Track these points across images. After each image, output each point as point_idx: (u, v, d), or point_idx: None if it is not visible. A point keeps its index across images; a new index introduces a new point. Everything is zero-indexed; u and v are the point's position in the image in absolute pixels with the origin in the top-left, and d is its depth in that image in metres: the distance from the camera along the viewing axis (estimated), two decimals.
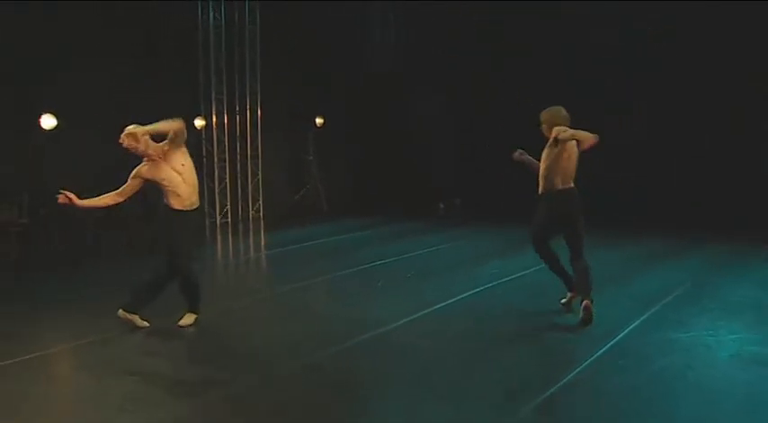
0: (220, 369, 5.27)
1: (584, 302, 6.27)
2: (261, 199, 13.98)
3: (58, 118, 10.41)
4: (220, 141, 13.22)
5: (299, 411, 4.53)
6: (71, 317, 6.85)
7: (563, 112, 6.74)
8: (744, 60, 12.30)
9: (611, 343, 5.77)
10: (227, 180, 13.35)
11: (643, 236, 11.53)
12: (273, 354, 5.44)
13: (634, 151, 13.40)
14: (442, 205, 15.55)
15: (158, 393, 4.74)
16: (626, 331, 6.10)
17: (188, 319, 6.16)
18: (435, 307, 6.96)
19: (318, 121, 14.94)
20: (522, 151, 7.02)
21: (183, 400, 4.68)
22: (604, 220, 12.81)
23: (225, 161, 13.27)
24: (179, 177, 5.90)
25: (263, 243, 11.82)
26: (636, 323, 6.36)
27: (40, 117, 10.30)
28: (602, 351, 5.56)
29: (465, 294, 7.52)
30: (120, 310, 6.04)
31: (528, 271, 8.80)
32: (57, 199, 5.89)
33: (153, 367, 5.21)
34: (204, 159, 13.06)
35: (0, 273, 9.30)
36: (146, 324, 6.08)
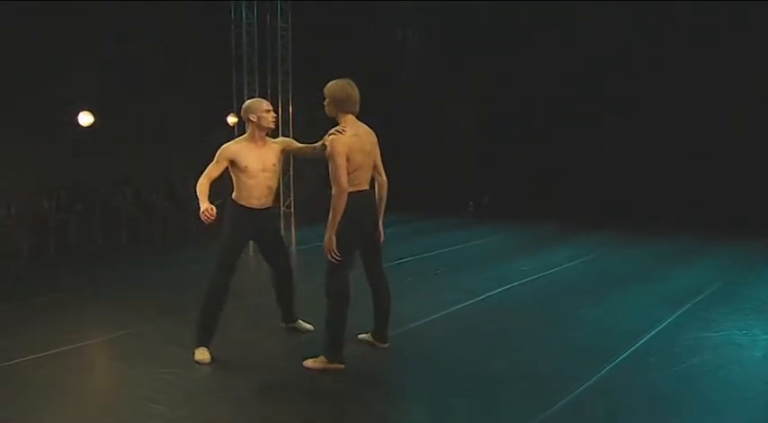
0: (254, 362, 5.34)
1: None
2: (292, 195, 14.08)
3: (94, 115, 10.62)
4: None
5: (324, 409, 4.57)
6: (106, 309, 6.99)
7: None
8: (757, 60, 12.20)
9: (641, 342, 5.74)
10: None
11: (672, 234, 11.45)
12: (299, 350, 5.48)
13: (658, 149, 13.34)
14: (471, 203, 15.56)
15: (190, 386, 4.81)
16: (656, 330, 6.06)
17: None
18: (463, 304, 6.98)
19: None
20: None
21: (214, 391, 4.75)
22: (633, 219, 12.81)
23: None
24: None
25: (293, 239, 11.92)
26: (666, 322, 6.31)
27: (77, 114, 10.51)
28: (631, 350, 5.53)
29: (494, 291, 7.53)
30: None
31: (557, 268, 8.80)
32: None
33: (186, 360, 5.27)
34: None
35: (38, 266, 9.52)
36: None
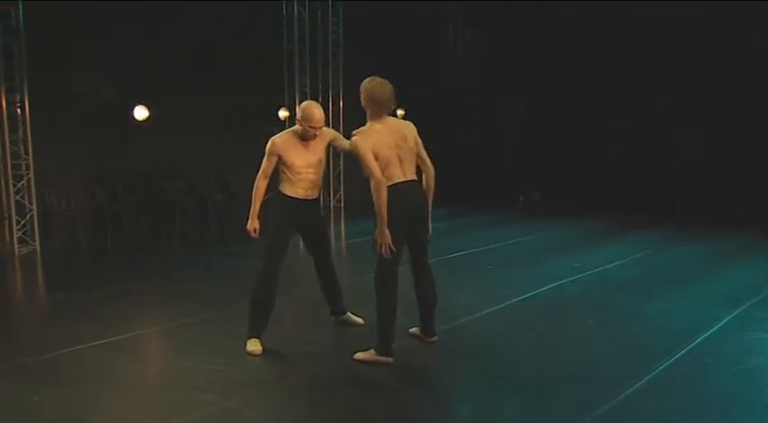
0: (306, 354, 5.38)
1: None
2: (342, 189, 14.14)
3: (149, 109, 10.82)
4: None
5: (373, 402, 4.59)
6: (160, 300, 7.13)
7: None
8: None
9: (696, 341, 5.62)
10: None
11: (727, 232, 11.18)
12: (349, 342, 5.51)
13: (712, 147, 13.05)
14: (521, 198, 15.43)
15: (242, 377, 4.87)
16: (712, 330, 5.93)
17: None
18: (514, 300, 6.93)
19: (399, 112, 15.00)
20: None
21: (266, 383, 4.81)
22: (687, 216, 12.54)
23: None
24: None
25: (343, 232, 11.99)
26: (722, 322, 6.16)
27: (133, 108, 10.73)
28: (686, 349, 5.42)
29: (545, 287, 7.45)
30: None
31: (610, 265, 8.67)
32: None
33: (238, 350, 5.34)
34: None
35: (95, 258, 9.75)
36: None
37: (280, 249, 5.49)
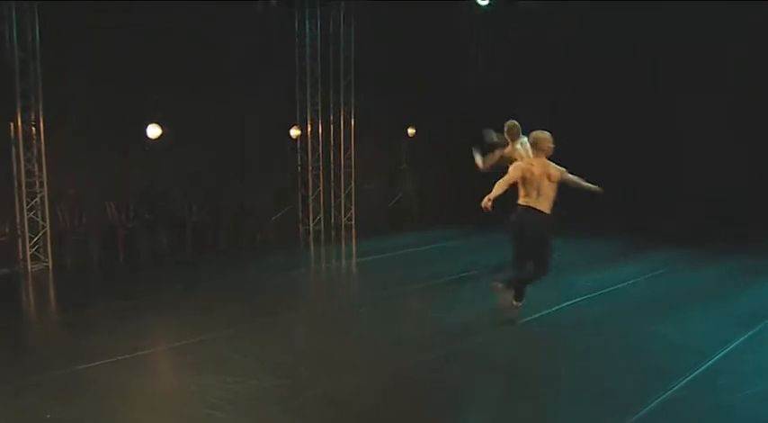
0: (318, 371, 5.38)
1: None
2: (353, 207, 14.15)
3: (162, 127, 10.89)
4: (315, 150, 13.46)
5: (389, 417, 4.58)
6: (174, 317, 7.14)
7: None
8: None
9: (711, 361, 5.59)
10: (321, 188, 13.59)
11: (743, 252, 11.08)
12: (367, 359, 5.52)
13: (730, 165, 12.96)
14: None
15: (255, 394, 4.87)
16: (726, 350, 5.89)
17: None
18: (527, 318, 6.87)
19: (410, 131, 15.04)
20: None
21: (278, 400, 4.80)
22: (707, 234, 12.45)
23: (319, 170, 13.50)
24: None
25: (353, 251, 11.98)
26: (736, 342, 6.12)
27: (146, 126, 10.80)
28: (700, 369, 5.39)
29: (558, 306, 7.42)
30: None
31: (625, 283, 8.64)
32: None
33: (252, 368, 5.36)
34: (299, 167, 13.34)
35: (109, 274, 9.78)
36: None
37: None
